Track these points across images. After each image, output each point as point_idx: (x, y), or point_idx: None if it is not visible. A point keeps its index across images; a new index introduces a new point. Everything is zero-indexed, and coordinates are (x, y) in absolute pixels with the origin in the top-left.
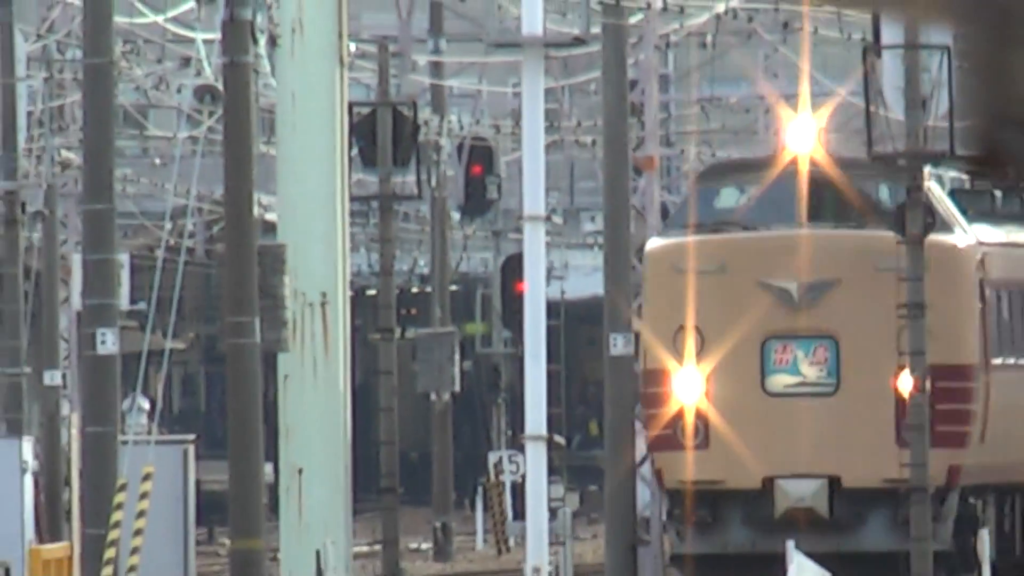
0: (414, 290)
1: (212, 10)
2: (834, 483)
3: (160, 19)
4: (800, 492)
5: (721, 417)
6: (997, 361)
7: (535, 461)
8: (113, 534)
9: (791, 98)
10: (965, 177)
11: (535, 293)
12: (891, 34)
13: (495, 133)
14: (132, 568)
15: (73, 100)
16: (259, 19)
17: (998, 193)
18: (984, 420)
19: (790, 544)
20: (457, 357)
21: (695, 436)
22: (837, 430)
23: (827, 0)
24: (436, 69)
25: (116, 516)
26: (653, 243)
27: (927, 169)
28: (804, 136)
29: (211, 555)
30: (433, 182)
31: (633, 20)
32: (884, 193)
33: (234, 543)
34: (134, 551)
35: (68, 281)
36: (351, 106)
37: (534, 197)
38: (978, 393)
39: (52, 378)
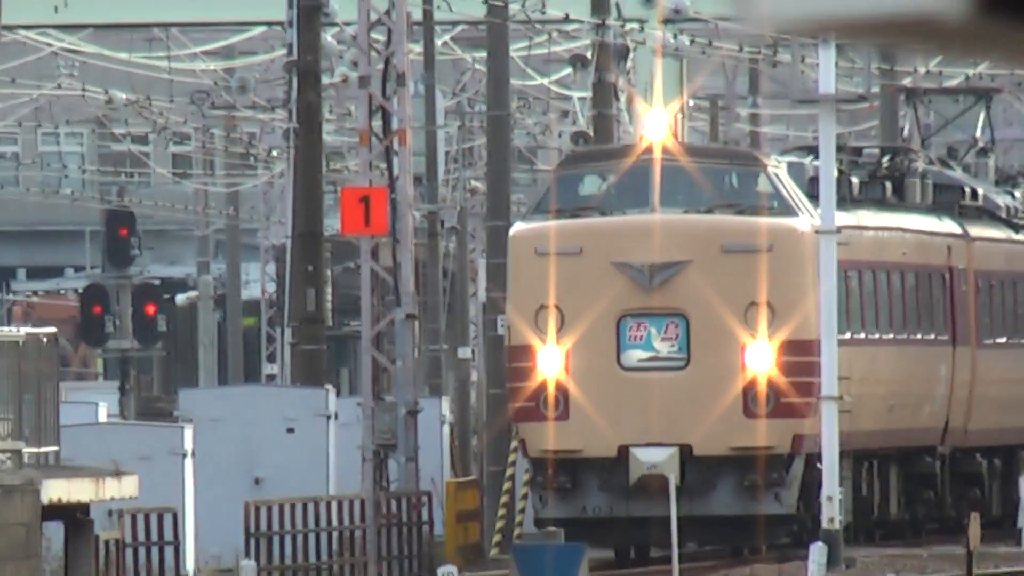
0: None
1: (585, 74)
2: (685, 451)
3: (545, 81)
4: (653, 459)
5: (580, 390)
6: (844, 336)
7: (829, 416)
8: (509, 470)
9: (1019, 141)
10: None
11: (829, 288)
12: None
13: None
14: (524, 496)
15: (480, 143)
16: (620, 82)
17: (855, 180)
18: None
19: (1022, 480)
20: None
21: (556, 408)
22: (688, 402)
23: None
24: (754, 119)
25: (512, 457)
26: (517, 228)
27: (773, 158)
28: (658, 127)
29: None
30: None
31: (904, 82)
32: (733, 180)
33: None
34: (526, 483)
35: (475, 279)
36: None
37: (828, 216)
38: (821, 367)
39: (464, 353)
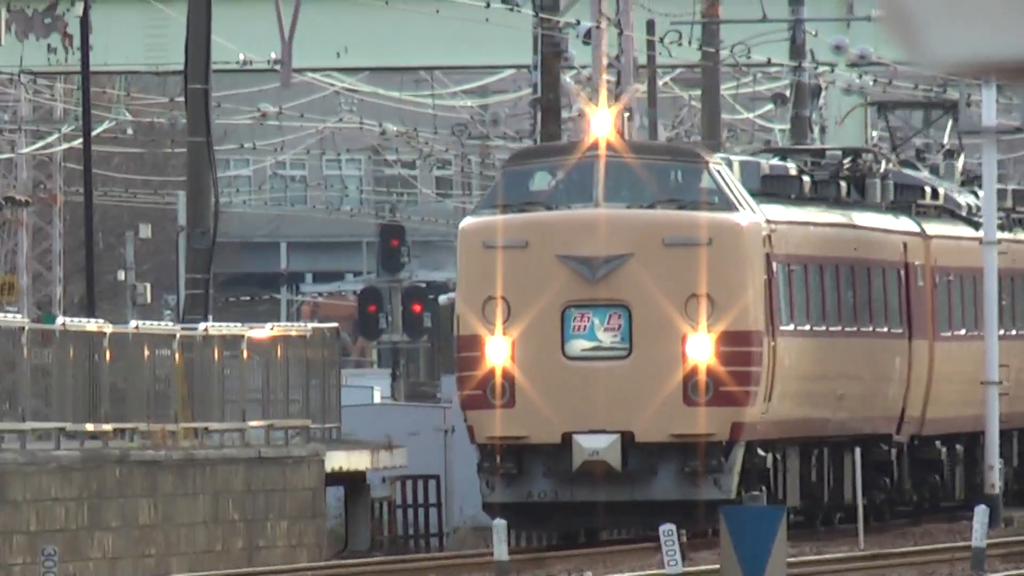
0: None
1: (784, 110)
2: (627, 438)
3: (751, 115)
4: (595, 446)
5: (525, 378)
6: (788, 328)
7: (992, 401)
8: None
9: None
10: (788, 163)
11: (991, 291)
12: None
13: None
14: None
15: None
16: (814, 115)
17: (806, 178)
18: (771, 381)
19: None
20: None
21: (502, 396)
22: (630, 390)
23: None
24: (926, 148)
25: None
26: (466, 221)
27: (716, 156)
28: (603, 124)
29: None
30: None
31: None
32: (676, 176)
33: None
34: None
35: None
36: None
37: (989, 228)
38: (761, 357)
39: None
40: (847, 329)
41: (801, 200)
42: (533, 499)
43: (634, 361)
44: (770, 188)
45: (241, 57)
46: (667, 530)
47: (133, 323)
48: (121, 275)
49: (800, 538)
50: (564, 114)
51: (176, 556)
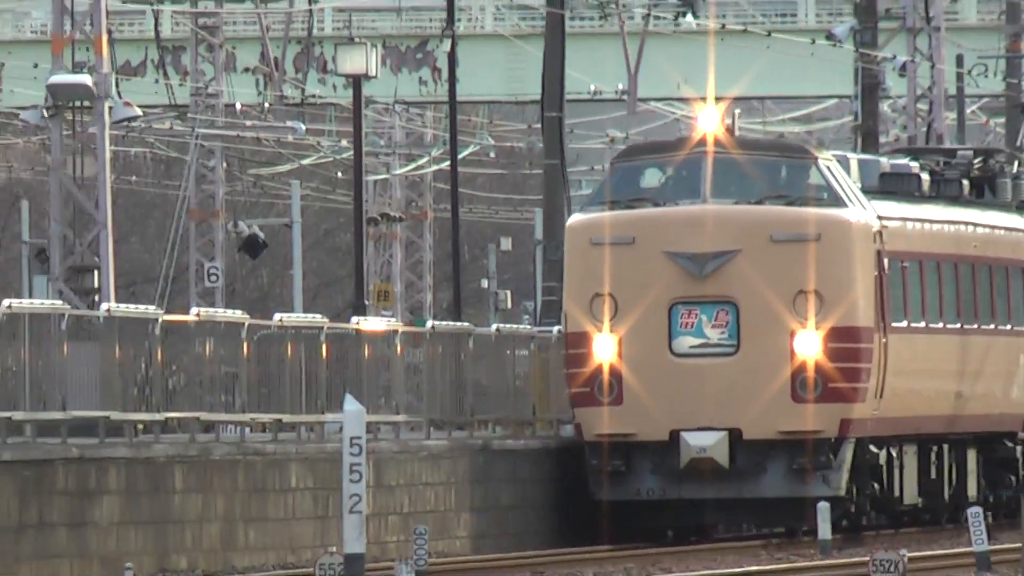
0: None
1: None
2: (734, 435)
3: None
4: (703, 443)
5: (633, 375)
6: (900, 324)
7: None
8: None
9: None
10: (914, 162)
11: None
12: None
13: None
14: None
15: None
16: None
17: (925, 176)
18: (882, 377)
19: None
20: None
21: (610, 393)
22: (737, 387)
23: None
24: None
25: None
26: (574, 219)
27: (828, 152)
28: (711, 120)
29: None
30: None
31: None
32: (784, 172)
33: None
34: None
35: None
36: None
37: None
38: (871, 353)
39: None
40: (966, 327)
41: (921, 198)
42: (641, 497)
43: (742, 358)
44: (889, 186)
45: (592, 88)
46: (974, 512)
47: (494, 326)
48: (484, 283)
49: (920, 536)
50: (882, 139)
51: (532, 534)
